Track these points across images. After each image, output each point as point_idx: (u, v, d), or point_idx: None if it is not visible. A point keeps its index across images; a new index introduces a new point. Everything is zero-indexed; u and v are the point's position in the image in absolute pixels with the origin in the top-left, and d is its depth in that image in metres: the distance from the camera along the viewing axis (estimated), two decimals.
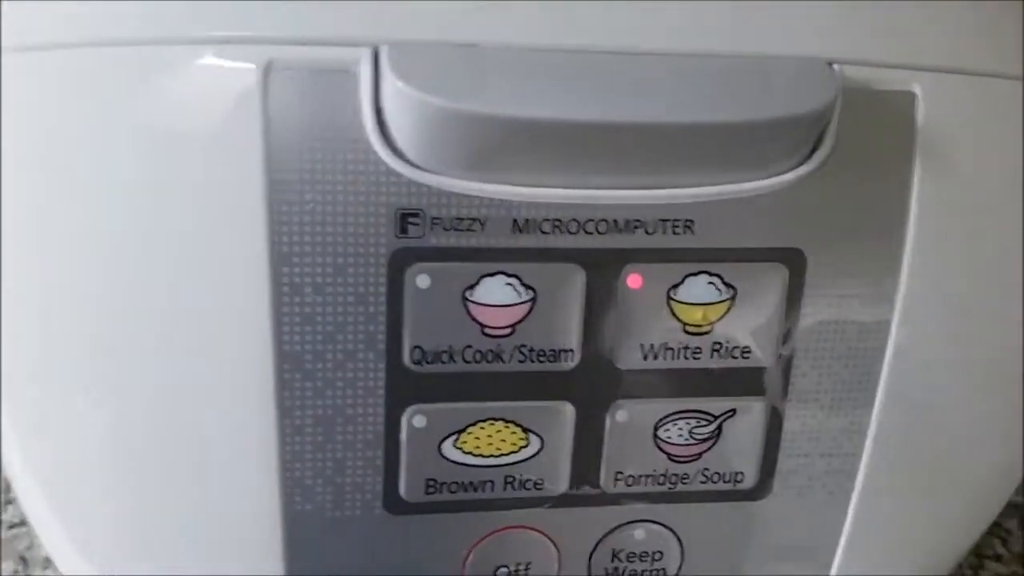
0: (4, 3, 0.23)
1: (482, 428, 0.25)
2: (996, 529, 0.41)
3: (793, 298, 0.26)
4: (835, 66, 0.25)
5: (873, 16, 0.25)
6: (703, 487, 0.27)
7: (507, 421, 0.25)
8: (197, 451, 0.24)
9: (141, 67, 0.22)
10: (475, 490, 0.26)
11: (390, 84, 0.22)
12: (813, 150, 0.25)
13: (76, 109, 0.23)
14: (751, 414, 0.27)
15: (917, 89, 0.25)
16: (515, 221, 0.24)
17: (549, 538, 0.27)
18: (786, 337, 0.26)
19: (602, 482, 0.27)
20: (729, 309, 0.25)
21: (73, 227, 0.23)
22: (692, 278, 0.25)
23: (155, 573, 0.25)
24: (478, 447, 0.25)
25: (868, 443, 0.27)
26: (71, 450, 0.24)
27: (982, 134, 0.26)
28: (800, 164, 0.25)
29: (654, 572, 0.28)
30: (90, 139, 0.23)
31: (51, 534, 0.26)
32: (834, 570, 0.29)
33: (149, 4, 0.22)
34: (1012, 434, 0.29)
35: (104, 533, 0.25)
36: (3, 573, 0.36)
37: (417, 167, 0.23)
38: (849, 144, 0.25)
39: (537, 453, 0.26)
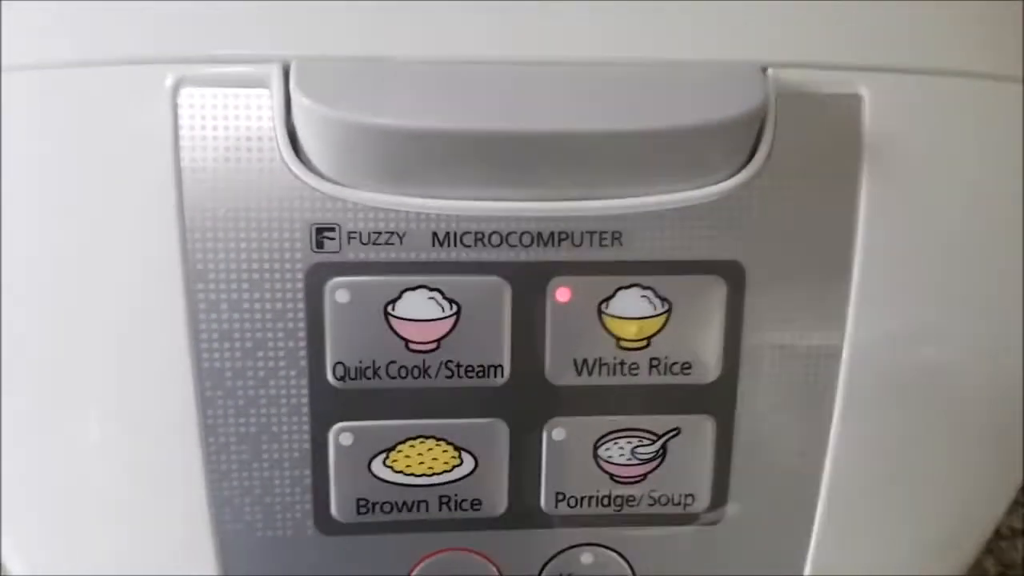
0: None
1: (412, 446, 0.25)
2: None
3: (734, 312, 0.25)
4: (769, 70, 0.24)
5: (813, 17, 0.24)
6: (651, 510, 0.26)
7: (438, 439, 0.25)
8: (124, 470, 0.24)
9: (59, 88, 0.23)
10: (409, 510, 0.25)
11: (298, 100, 0.22)
12: (750, 158, 0.24)
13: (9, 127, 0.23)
14: (698, 433, 0.26)
15: (863, 91, 0.24)
16: (435, 234, 0.23)
17: (491, 561, 0.26)
18: (729, 352, 0.25)
19: (543, 503, 0.26)
20: (665, 324, 0.25)
21: None
22: (624, 291, 0.24)
23: None
24: (409, 466, 0.25)
25: (828, 462, 0.26)
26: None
27: (932, 136, 0.25)
28: (735, 173, 0.24)
29: None
30: (14, 157, 0.23)
31: None
32: None
33: (61, 26, 0.22)
34: (981, 446, 0.27)
35: (39, 551, 0.25)
36: None
37: (331, 181, 0.23)
38: (790, 151, 0.24)
39: (472, 472, 0.25)
